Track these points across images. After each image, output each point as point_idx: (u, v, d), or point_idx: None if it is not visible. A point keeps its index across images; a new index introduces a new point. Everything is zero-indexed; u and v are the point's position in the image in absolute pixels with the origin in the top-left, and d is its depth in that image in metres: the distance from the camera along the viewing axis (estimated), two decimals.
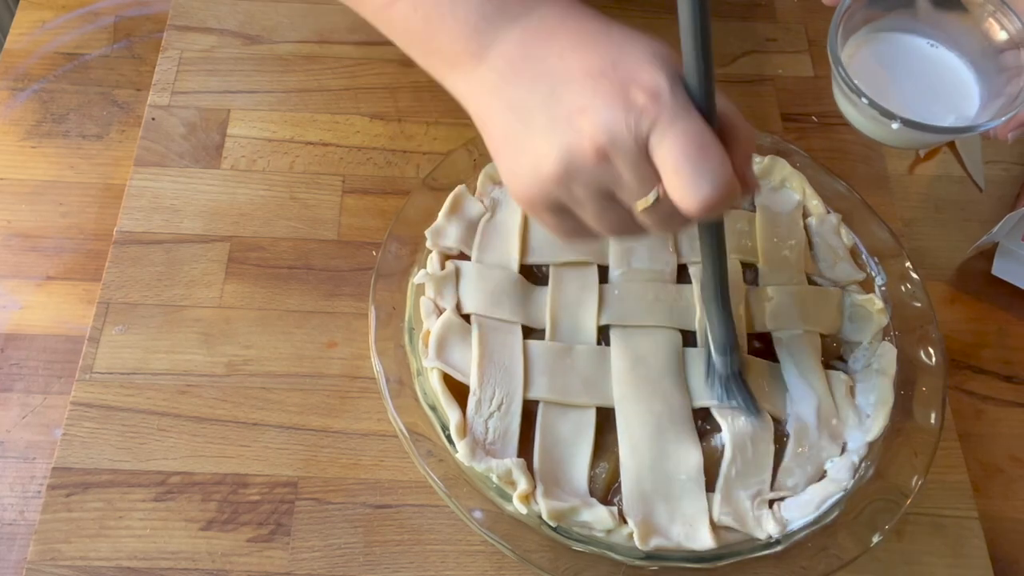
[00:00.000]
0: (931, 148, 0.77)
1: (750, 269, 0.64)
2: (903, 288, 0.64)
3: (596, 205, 0.47)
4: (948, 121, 0.57)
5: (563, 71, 0.46)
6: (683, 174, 0.43)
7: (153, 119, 0.74)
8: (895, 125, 0.55)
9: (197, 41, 0.78)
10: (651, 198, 0.45)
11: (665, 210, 0.45)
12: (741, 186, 0.45)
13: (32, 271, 0.68)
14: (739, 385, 0.57)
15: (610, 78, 0.45)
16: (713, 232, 0.53)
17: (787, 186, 0.68)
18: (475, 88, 0.50)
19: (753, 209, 0.66)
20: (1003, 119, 0.55)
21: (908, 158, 0.77)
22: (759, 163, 0.68)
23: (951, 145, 0.78)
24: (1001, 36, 0.57)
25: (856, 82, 0.56)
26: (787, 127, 0.76)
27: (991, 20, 0.57)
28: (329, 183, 0.72)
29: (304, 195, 0.71)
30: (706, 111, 0.45)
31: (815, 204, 0.67)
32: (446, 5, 0.49)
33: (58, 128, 0.75)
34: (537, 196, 0.48)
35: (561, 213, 0.49)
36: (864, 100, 0.55)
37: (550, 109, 0.46)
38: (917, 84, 0.59)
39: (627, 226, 0.48)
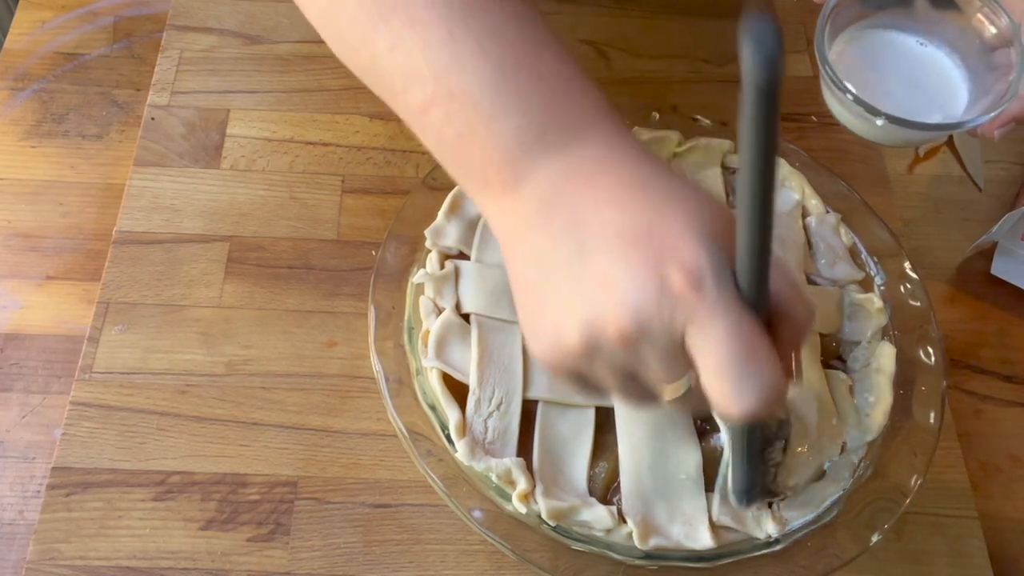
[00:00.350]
0: (920, 146, 0.77)
1: None
2: (902, 288, 0.64)
3: (619, 382, 0.44)
4: (935, 119, 0.57)
5: (595, 226, 0.41)
6: (725, 381, 0.39)
7: (153, 119, 0.74)
8: (880, 121, 0.55)
9: (197, 41, 0.78)
10: (682, 388, 0.42)
11: (697, 400, 0.42)
12: (787, 375, 0.41)
13: (32, 271, 0.68)
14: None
15: (644, 248, 0.40)
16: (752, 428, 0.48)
17: (786, 186, 0.68)
18: (503, 220, 0.46)
19: None
20: (990, 116, 0.55)
21: (907, 158, 0.77)
22: None
23: (950, 145, 0.78)
24: (991, 34, 0.57)
25: (843, 78, 0.56)
26: (786, 127, 0.76)
27: (981, 18, 0.57)
28: (329, 183, 0.72)
29: (304, 195, 0.71)
30: (755, 301, 0.39)
31: (814, 204, 0.67)
32: (481, 124, 0.44)
33: (58, 128, 0.75)
34: (556, 364, 0.44)
35: (582, 380, 0.45)
36: (849, 96, 0.55)
37: (576, 271, 0.41)
38: (905, 81, 0.59)
39: (652, 402, 0.45)
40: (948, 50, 0.59)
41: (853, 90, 0.55)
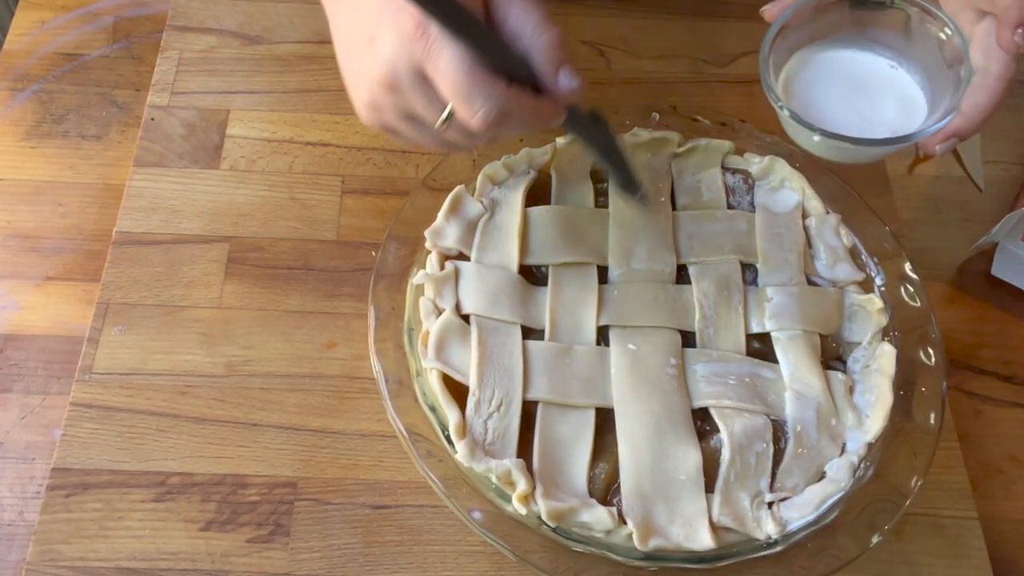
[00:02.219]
0: (919, 154, 0.77)
1: (750, 269, 0.64)
2: (902, 288, 0.64)
3: (408, 127, 0.51)
4: (879, 134, 0.57)
5: None
6: (458, 99, 0.46)
7: (152, 119, 0.74)
8: (816, 137, 0.55)
9: (196, 41, 0.78)
10: (444, 116, 0.48)
11: (460, 125, 0.48)
12: (553, 93, 0.48)
13: (31, 271, 0.68)
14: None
15: (391, 6, 0.47)
16: (570, 125, 0.55)
17: (787, 186, 0.67)
18: (327, 9, 0.54)
19: (752, 209, 0.66)
20: (932, 130, 0.55)
21: (908, 158, 0.77)
22: (759, 163, 0.68)
23: None
24: (948, 51, 0.57)
25: (793, 96, 0.58)
26: None
27: (939, 34, 0.57)
28: (328, 183, 0.72)
29: (303, 195, 0.71)
30: (472, 41, 0.46)
31: (815, 204, 0.67)
32: None
33: (57, 128, 0.75)
34: (366, 120, 0.52)
35: (392, 132, 0.52)
36: (785, 111, 0.56)
37: (359, 36, 0.49)
38: (855, 100, 0.59)
39: (443, 142, 0.52)
40: (909, 67, 0.59)
41: (788, 108, 0.56)
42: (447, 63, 0.46)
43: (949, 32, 0.56)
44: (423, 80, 0.47)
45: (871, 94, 0.59)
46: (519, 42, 0.48)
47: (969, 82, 0.55)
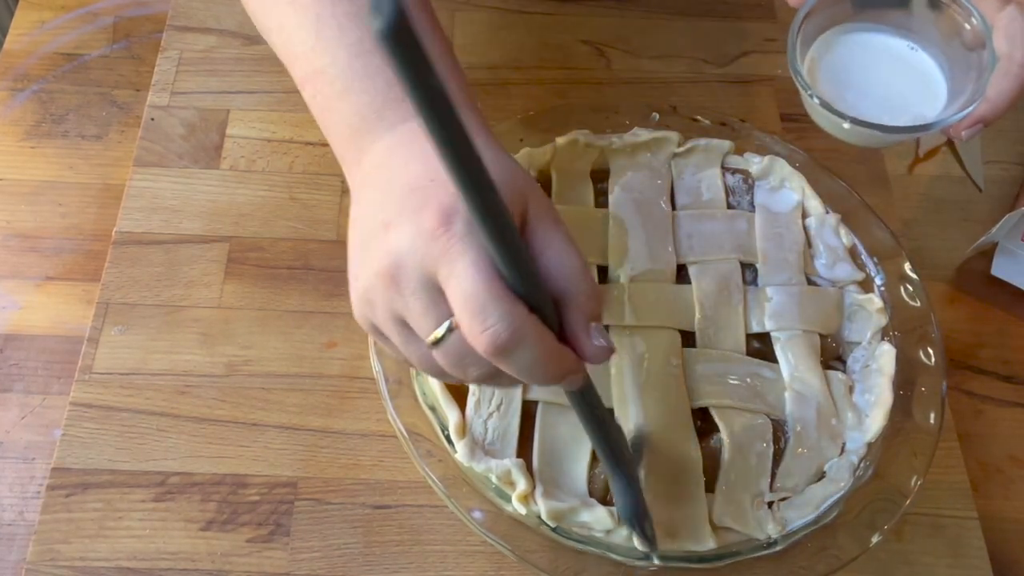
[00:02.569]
0: (920, 147, 0.77)
1: (749, 269, 0.64)
2: (902, 288, 0.64)
3: (396, 334, 0.44)
4: (903, 120, 0.57)
5: (398, 180, 0.44)
6: (470, 309, 0.39)
7: (152, 119, 0.74)
8: (846, 125, 0.56)
9: (196, 41, 0.78)
10: (440, 332, 0.41)
11: (456, 346, 0.41)
12: (577, 349, 0.42)
13: (31, 271, 0.68)
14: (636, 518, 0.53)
15: (417, 195, 0.42)
16: (578, 400, 0.46)
17: (786, 186, 0.67)
18: (353, 189, 0.48)
19: (752, 209, 0.66)
20: (957, 117, 0.56)
21: (908, 158, 0.77)
22: (758, 163, 0.68)
23: (951, 145, 0.78)
24: (968, 35, 0.57)
25: (818, 81, 0.57)
26: (786, 127, 0.76)
27: (958, 20, 0.58)
28: (329, 183, 0.72)
29: (304, 195, 0.71)
30: (521, 287, 0.39)
31: (814, 204, 0.67)
32: (336, 100, 0.49)
33: (57, 128, 0.75)
34: (357, 314, 0.45)
35: (377, 334, 0.46)
36: (815, 100, 0.56)
37: (373, 221, 0.43)
38: (882, 82, 0.59)
39: (430, 364, 0.44)
40: (931, 50, 0.60)
41: (821, 95, 0.56)
42: (465, 268, 0.39)
43: (973, 19, 0.57)
44: (429, 285, 0.41)
45: (894, 77, 0.59)
46: (552, 281, 0.41)
47: (993, 69, 0.55)
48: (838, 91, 0.58)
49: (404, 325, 0.43)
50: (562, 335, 0.42)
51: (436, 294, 0.41)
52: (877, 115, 0.56)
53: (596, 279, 0.43)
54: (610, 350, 0.43)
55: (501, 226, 0.37)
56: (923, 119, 0.57)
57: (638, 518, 0.52)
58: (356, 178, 0.48)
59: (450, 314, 0.41)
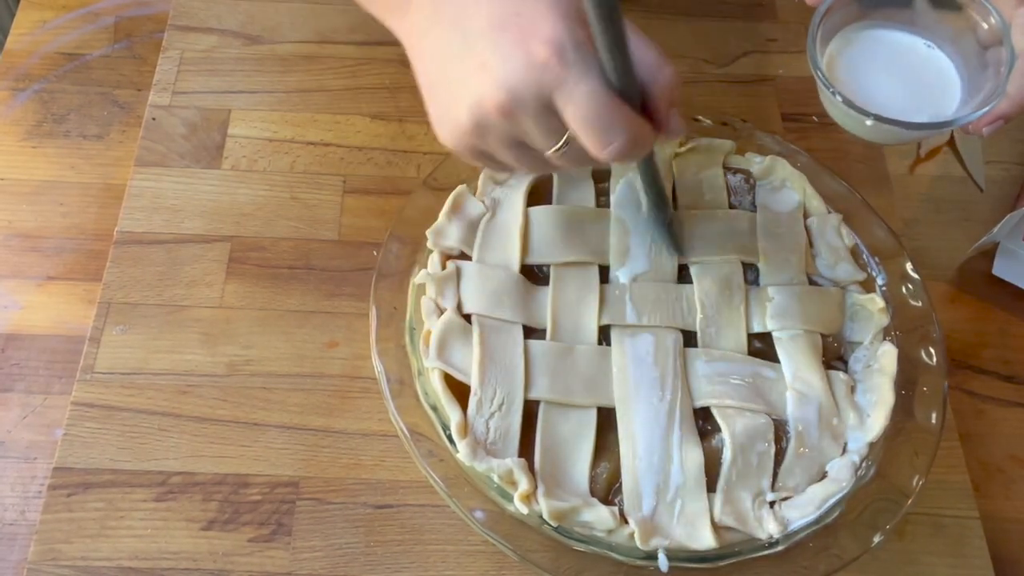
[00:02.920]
0: (921, 146, 0.77)
1: (751, 269, 0.64)
2: (904, 288, 0.64)
3: (511, 152, 0.50)
4: (923, 117, 0.57)
5: (474, 19, 0.47)
6: (592, 131, 0.46)
7: (154, 119, 0.74)
8: (869, 122, 0.56)
9: (198, 41, 0.78)
10: (560, 144, 0.48)
11: (576, 153, 0.48)
12: (660, 128, 0.49)
13: (33, 271, 0.68)
14: (669, 231, 0.63)
15: (512, 30, 0.46)
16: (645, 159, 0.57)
17: (788, 186, 0.68)
18: (405, 32, 0.52)
19: (754, 209, 0.66)
20: (978, 114, 0.56)
21: (909, 158, 0.77)
22: (760, 163, 0.68)
23: (952, 145, 0.78)
24: (984, 32, 0.58)
25: (836, 78, 0.58)
26: (787, 127, 0.76)
27: (975, 16, 0.58)
28: (330, 183, 0.72)
29: (305, 195, 0.71)
30: (624, 86, 0.46)
31: (816, 204, 0.67)
32: None
33: (59, 128, 0.75)
34: (458, 145, 0.50)
35: (483, 157, 0.51)
36: (838, 97, 0.56)
37: (462, 61, 0.47)
38: (899, 79, 0.60)
39: (545, 166, 0.51)
40: (945, 47, 0.60)
41: (842, 92, 0.56)
42: (584, 93, 0.45)
43: (991, 16, 0.57)
44: (546, 108, 0.46)
45: (911, 74, 0.60)
46: (640, 72, 0.47)
47: (1013, 66, 0.55)
48: (856, 88, 0.58)
49: (519, 146, 0.49)
50: (644, 114, 0.48)
51: (552, 116, 0.46)
52: (895, 112, 0.56)
53: (677, 74, 0.49)
54: (684, 130, 0.50)
55: (619, 34, 0.44)
56: (943, 116, 0.58)
57: (675, 235, 0.63)
58: (413, 19, 0.51)
59: (565, 129, 0.47)
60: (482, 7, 0.47)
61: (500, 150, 0.50)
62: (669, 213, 0.62)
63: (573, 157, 0.49)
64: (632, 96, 0.47)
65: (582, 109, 0.45)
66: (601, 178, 0.67)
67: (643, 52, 0.47)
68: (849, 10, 0.60)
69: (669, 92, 0.49)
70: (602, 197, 0.66)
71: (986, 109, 0.56)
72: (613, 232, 0.64)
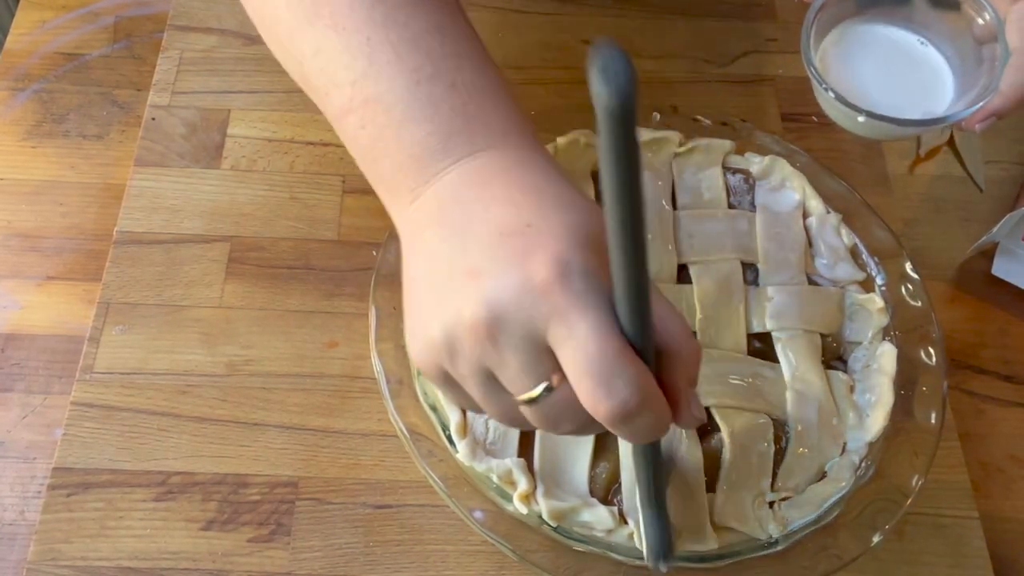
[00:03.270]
0: (921, 146, 0.77)
1: (750, 269, 0.64)
2: (903, 288, 0.64)
3: (480, 387, 0.41)
4: (916, 114, 0.57)
5: (480, 223, 0.41)
6: (594, 376, 0.37)
7: (153, 119, 0.74)
8: (861, 118, 0.56)
9: (197, 41, 0.78)
10: (537, 391, 0.39)
11: (560, 406, 0.39)
12: (677, 413, 0.40)
13: (32, 271, 0.68)
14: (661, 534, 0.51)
15: (516, 242, 0.39)
16: (644, 447, 0.45)
17: (787, 186, 0.68)
18: (405, 225, 0.46)
19: (753, 209, 0.66)
20: (971, 111, 0.56)
21: (908, 158, 0.77)
22: (759, 163, 0.68)
23: (951, 145, 0.78)
24: (979, 28, 0.58)
25: (830, 74, 0.58)
26: (787, 127, 0.76)
27: (969, 12, 0.58)
28: (329, 183, 0.72)
29: (304, 195, 0.71)
30: (636, 338, 0.38)
31: (815, 204, 0.67)
32: (392, 130, 0.45)
33: (58, 128, 0.75)
34: (424, 363, 0.43)
35: (449, 385, 0.43)
36: (831, 94, 0.56)
37: (452, 265, 0.40)
38: (893, 75, 0.60)
39: (516, 418, 0.42)
40: (940, 44, 0.60)
41: (835, 88, 0.56)
42: (588, 330, 0.37)
43: (986, 12, 0.57)
44: (535, 343, 0.38)
45: (905, 71, 0.60)
46: (660, 336, 0.39)
47: (1006, 62, 0.55)
48: (850, 84, 0.58)
49: (491, 379, 0.41)
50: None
51: (540, 352, 0.38)
52: (888, 108, 0.56)
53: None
54: (703, 419, 0.42)
55: (642, 278, 0.35)
56: (935, 112, 0.58)
57: (668, 549, 0.50)
58: (415, 215, 0.45)
59: (551, 373, 0.39)
60: (492, 213, 0.41)
61: (469, 380, 0.41)
62: (666, 517, 0.50)
63: (554, 410, 0.40)
64: (645, 358, 0.38)
65: (583, 349, 0.37)
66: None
67: (668, 315, 0.39)
68: (844, 6, 0.60)
69: (691, 370, 0.41)
70: (602, 198, 0.66)
71: (979, 105, 0.56)
72: None
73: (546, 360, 0.39)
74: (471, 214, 0.42)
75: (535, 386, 0.39)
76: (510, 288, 0.38)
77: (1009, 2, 0.57)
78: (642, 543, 0.52)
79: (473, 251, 0.40)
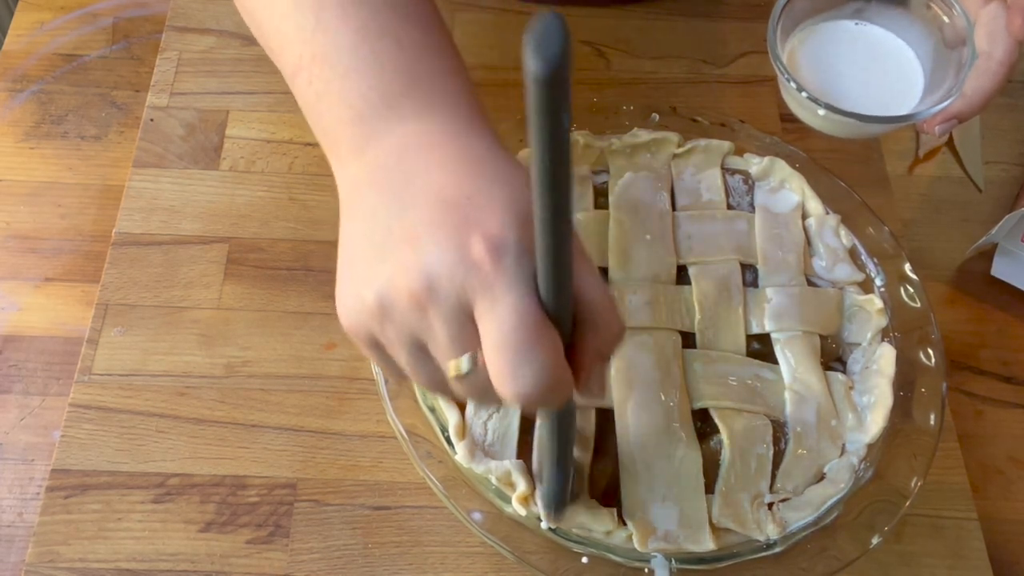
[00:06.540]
0: (920, 147, 0.77)
1: (749, 270, 0.64)
2: (902, 289, 0.64)
3: (408, 354, 0.42)
4: (879, 111, 0.57)
5: (421, 189, 0.41)
6: (504, 355, 0.37)
7: (152, 120, 0.74)
8: (821, 111, 0.56)
9: (196, 42, 0.78)
10: (464, 366, 0.40)
11: (480, 383, 0.40)
12: (579, 383, 0.40)
13: (30, 272, 0.68)
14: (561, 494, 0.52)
15: (456, 213, 0.39)
16: (553, 413, 0.46)
17: (786, 187, 0.67)
18: (345, 183, 0.46)
19: (752, 210, 0.66)
20: (933, 110, 0.56)
21: (907, 159, 0.77)
22: (758, 164, 0.68)
23: (950, 146, 0.78)
24: (949, 30, 0.58)
25: (798, 69, 0.58)
26: (786, 127, 0.76)
27: (940, 14, 0.58)
28: (328, 184, 0.71)
29: (303, 196, 0.71)
30: (554, 307, 0.38)
31: (814, 205, 0.66)
32: (336, 83, 0.46)
33: (57, 129, 0.75)
34: (353, 326, 0.43)
35: (376, 350, 0.43)
36: (792, 84, 0.56)
37: (389, 230, 0.41)
38: (861, 73, 0.60)
39: (441, 386, 0.43)
40: (911, 43, 0.60)
41: (796, 80, 0.56)
42: (508, 307, 0.37)
43: (955, 14, 0.57)
44: (462, 314, 0.38)
45: (873, 68, 0.60)
46: (581, 307, 0.39)
47: (972, 65, 0.55)
48: (817, 80, 0.58)
49: (420, 347, 0.41)
50: (568, 356, 0.40)
51: (467, 323, 0.39)
52: (854, 105, 0.56)
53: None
54: (602, 397, 0.43)
55: (564, 253, 0.36)
56: (898, 111, 0.58)
57: (561, 502, 0.52)
58: (356, 173, 0.45)
59: (477, 344, 0.39)
60: (433, 178, 0.41)
61: (397, 346, 0.42)
62: (571, 475, 0.51)
63: (475, 385, 0.40)
64: (561, 330, 0.39)
65: (501, 326, 0.37)
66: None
67: (592, 288, 0.39)
68: (813, 2, 0.60)
69: (606, 346, 0.40)
70: (601, 198, 0.66)
71: (941, 107, 0.56)
72: (611, 233, 0.64)
73: (474, 333, 0.39)
74: (412, 177, 0.42)
75: (459, 355, 0.40)
76: (446, 259, 0.38)
77: (980, 5, 0.57)
78: (541, 496, 0.53)
79: (412, 216, 0.40)
